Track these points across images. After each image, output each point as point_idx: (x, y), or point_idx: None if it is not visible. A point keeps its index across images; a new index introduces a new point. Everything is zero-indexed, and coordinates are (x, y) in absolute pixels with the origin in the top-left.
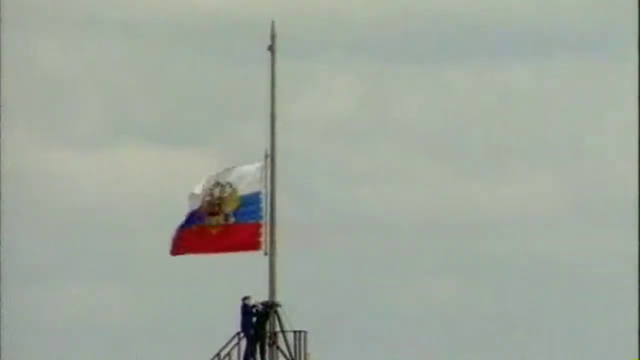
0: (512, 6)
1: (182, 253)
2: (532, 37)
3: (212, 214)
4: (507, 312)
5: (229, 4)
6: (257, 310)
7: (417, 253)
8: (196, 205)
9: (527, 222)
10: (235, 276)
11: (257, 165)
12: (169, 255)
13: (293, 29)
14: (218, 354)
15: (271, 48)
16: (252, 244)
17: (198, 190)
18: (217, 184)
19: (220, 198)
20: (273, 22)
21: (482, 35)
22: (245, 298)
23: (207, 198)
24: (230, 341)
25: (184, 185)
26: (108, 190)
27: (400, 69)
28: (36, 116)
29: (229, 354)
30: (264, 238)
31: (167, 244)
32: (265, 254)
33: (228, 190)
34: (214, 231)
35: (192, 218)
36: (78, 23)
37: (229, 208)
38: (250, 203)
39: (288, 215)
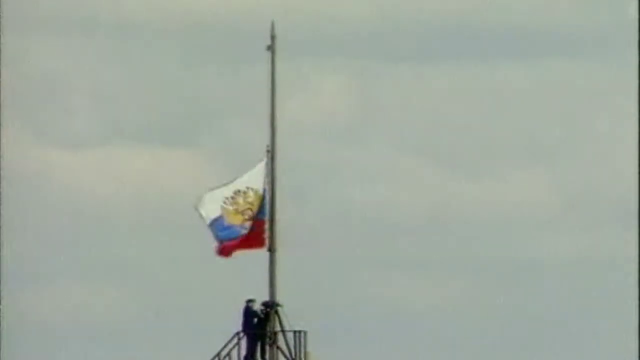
0: (505, 6)
1: (228, 254)
2: (526, 36)
3: (248, 220)
4: (507, 311)
5: (228, 4)
6: (258, 315)
7: (416, 253)
8: (215, 215)
9: (521, 222)
10: (234, 276)
11: (261, 163)
12: (217, 256)
13: (290, 29)
14: (218, 354)
15: (271, 48)
16: (257, 243)
17: (205, 209)
18: (238, 191)
19: (250, 203)
20: (273, 22)
21: (477, 35)
22: (249, 301)
23: (233, 207)
24: (230, 341)
25: (177, 185)
26: (103, 190)
27: (397, 69)
28: (29, 116)
29: (229, 354)
30: (267, 235)
31: (167, 245)
32: (269, 250)
33: (251, 194)
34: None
35: (232, 230)
36: (73, 22)
37: (255, 209)
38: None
39: (285, 214)
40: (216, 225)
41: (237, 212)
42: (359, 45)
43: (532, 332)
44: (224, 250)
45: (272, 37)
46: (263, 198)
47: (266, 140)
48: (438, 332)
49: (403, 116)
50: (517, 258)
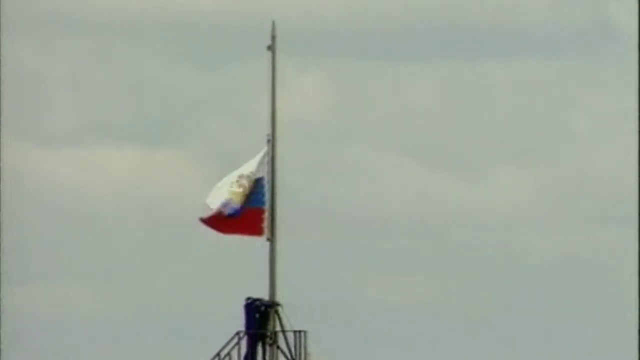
0: (490, 5)
1: (208, 226)
2: (510, 34)
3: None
4: (505, 310)
5: (227, 4)
6: (259, 309)
7: (415, 252)
8: (223, 200)
9: (512, 221)
10: (234, 275)
11: (262, 152)
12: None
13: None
14: (218, 354)
15: (271, 48)
16: (255, 230)
17: (212, 199)
18: (242, 175)
19: (249, 187)
20: (273, 22)
21: (463, 34)
22: (247, 299)
23: (240, 189)
24: (230, 341)
25: (166, 184)
26: (100, 190)
27: (391, 69)
28: (14, 115)
29: (229, 353)
30: (266, 224)
31: (166, 245)
32: (268, 239)
33: (252, 178)
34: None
35: (238, 210)
36: (64, 20)
37: (248, 192)
38: (257, 188)
39: (283, 212)
40: (224, 205)
41: (244, 194)
42: (348, 43)
43: (529, 332)
44: (215, 221)
45: (273, 37)
46: (256, 185)
47: (259, 140)
48: (438, 332)
49: (395, 115)
50: (515, 257)
